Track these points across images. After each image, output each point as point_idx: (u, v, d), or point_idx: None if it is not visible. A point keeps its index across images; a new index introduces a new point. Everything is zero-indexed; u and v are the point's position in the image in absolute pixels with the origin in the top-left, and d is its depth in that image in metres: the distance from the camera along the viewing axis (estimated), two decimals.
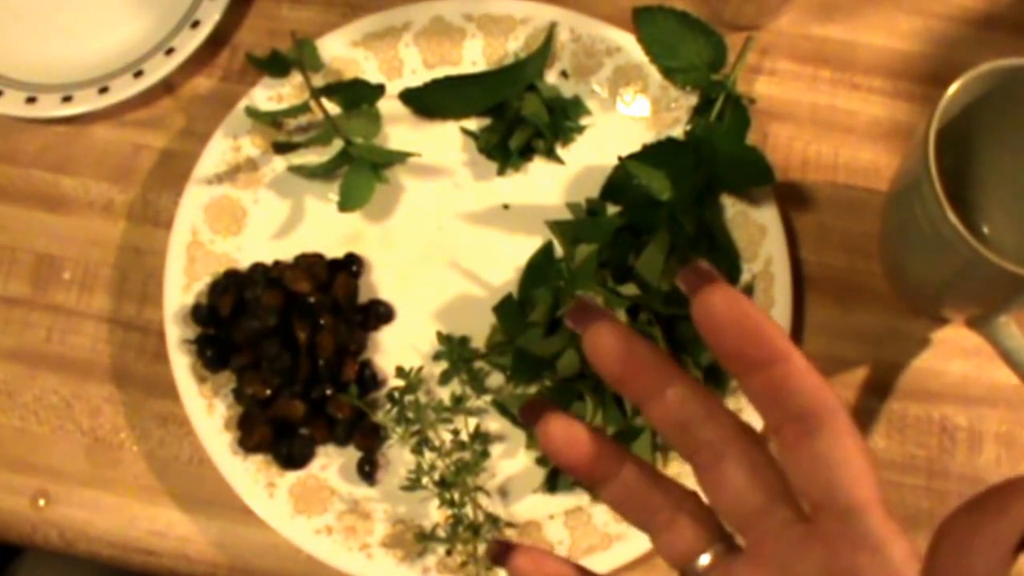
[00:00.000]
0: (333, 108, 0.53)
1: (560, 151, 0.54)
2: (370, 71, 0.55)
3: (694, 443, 0.25)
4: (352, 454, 0.49)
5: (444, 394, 0.50)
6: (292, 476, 0.49)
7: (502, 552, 0.28)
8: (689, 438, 0.25)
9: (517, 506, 0.49)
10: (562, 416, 0.27)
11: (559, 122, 0.54)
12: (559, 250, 0.52)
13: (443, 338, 0.51)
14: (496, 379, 0.51)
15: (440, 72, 0.55)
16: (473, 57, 0.55)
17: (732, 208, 0.52)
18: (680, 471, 0.48)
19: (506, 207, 0.53)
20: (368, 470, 0.49)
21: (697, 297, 0.24)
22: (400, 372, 0.50)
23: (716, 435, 0.25)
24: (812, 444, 0.23)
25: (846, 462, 0.23)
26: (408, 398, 0.49)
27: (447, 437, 0.49)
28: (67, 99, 0.54)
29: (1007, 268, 0.40)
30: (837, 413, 0.23)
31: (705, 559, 0.26)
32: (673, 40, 0.52)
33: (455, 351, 0.50)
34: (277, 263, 0.52)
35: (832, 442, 0.23)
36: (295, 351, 0.49)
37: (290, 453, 0.49)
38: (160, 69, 0.54)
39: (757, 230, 0.51)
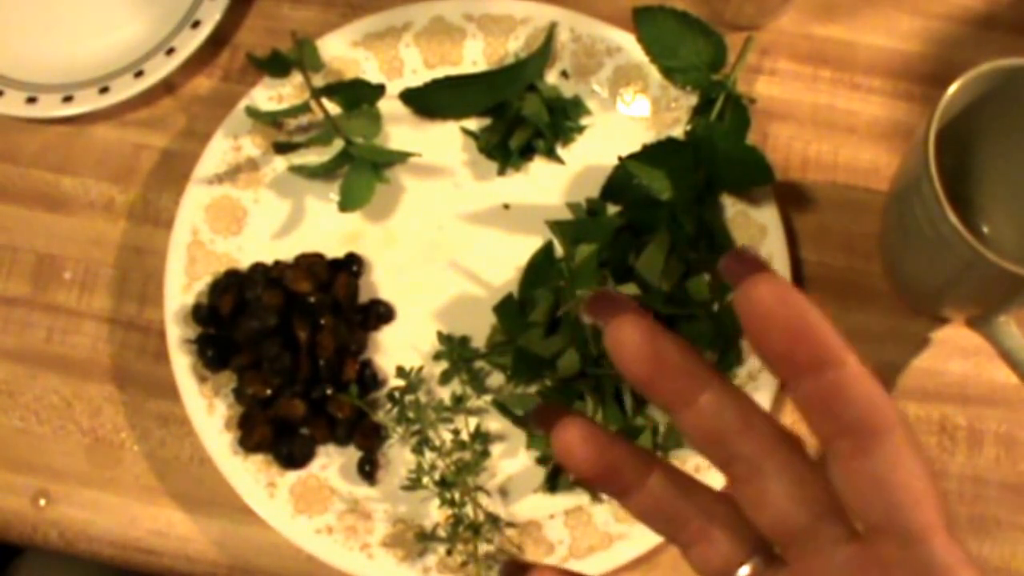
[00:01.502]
0: (333, 108, 0.53)
1: (560, 151, 0.54)
2: (370, 71, 0.55)
3: (729, 454, 0.23)
4: (352, 454, 0.50)
5: (444, 394, 0.50)
6: (292, 476, 0.49)
7: (514, 574, 0.25)
8: (723, 449, 0.23)
9: (517, 506, 0.49)
10: (580, 421, 0.24)
11: (559, 122, 0.54)
12: (559, 250, 0.52)
13: (443, 338, 0.51)
14: (496, 379, 0.51)
15: (440, 72, 0.55)
16: (473, 57, 0.55)
17: (732, 208, 0.52)
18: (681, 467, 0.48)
19: (506, 207, 0.53)
20: (368, 470, 0.49)
21: (741, 287, 0.21)
22: (400, 372, 0.50)
23: (754, 447, 0.23)
24: (869, 462, 0.21)
25: (907, 483, 0.21)
26: (408, 398, 0.49)
27: (447, 437, 0.49)
28: (67, 99, 0.54)
29: (1007, 268, 0.40)
30: (896, 427, 0.21)
31: (743, 572, 0.24)
32: (673, 40, 0.52)
33: (455, 351, 0.50)
34: (277, 263, 0.52)
35: (891, 460, 0.21)
36: (295, 351, 0.49)
37: (290, 453, 0.49)
38: (161, 69, 0.54)
39: (757, 230, 0.51)
